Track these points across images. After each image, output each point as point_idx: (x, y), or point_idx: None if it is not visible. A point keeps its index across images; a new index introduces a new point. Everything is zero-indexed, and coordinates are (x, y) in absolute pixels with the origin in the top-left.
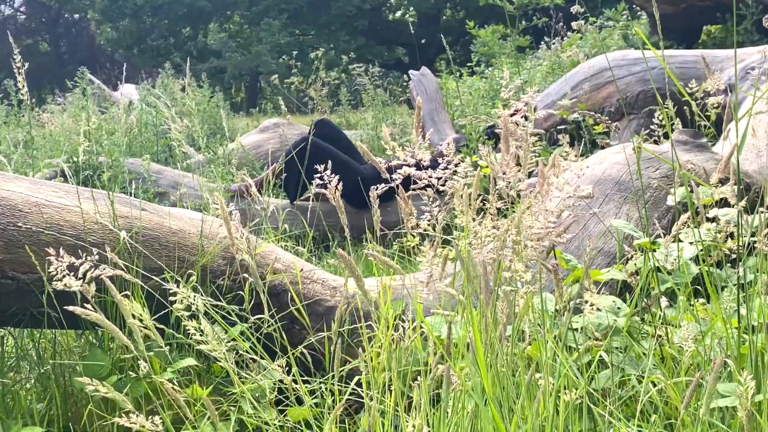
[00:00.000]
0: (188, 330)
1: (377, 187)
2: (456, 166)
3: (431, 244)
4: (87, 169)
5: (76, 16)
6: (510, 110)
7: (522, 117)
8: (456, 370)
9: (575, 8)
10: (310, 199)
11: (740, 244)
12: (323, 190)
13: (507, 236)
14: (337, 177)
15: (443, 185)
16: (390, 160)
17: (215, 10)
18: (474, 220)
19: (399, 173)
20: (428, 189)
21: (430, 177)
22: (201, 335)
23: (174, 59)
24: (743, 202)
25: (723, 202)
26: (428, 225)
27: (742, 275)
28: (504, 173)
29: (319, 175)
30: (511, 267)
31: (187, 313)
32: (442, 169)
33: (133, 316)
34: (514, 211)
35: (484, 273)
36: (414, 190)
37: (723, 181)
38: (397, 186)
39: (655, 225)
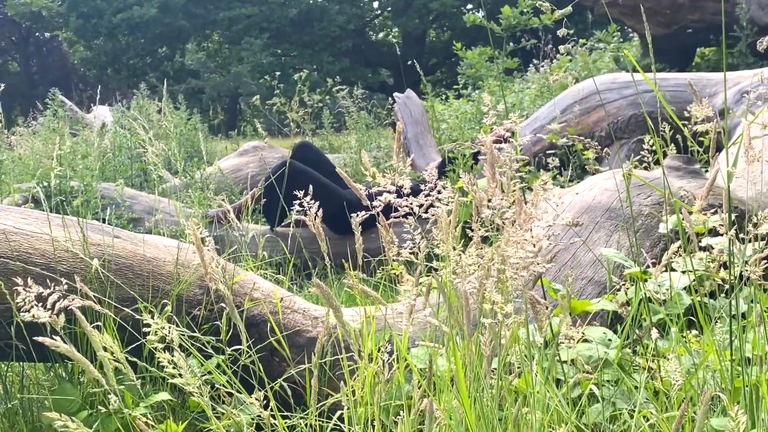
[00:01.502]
0: (162, 363)
1: (358, 214)
2: (439, 192)
3: (412, 275)
4: (58, 194)
5: (47, 35)
6: (491, 136)
7: (505, 143)
8: (440, 404)
9: (562, 31)
10: (292, 225)
11: (732, 273)
12: (303, 217)
13: (490, 265)
14: (317, 203)
15: (425, 212)
16: (370, 186)
17: (194, 29)
18: (455, 249)
19: (379, 200)
20: (409, 217)
21: (410, 204)
22: (175, 368)
23: (150, 80)
24: (732, 231)
25: (717, 231)
26: (410, 254)
27: (734, 306)
28: (489, 201)
29: (298, 201)
30: (491, 298)
31: (161, 345)
32: (425, 196)
33: (105, 349)
34: (498, 240)
35: (465, 305)
36: (395, 218)
37: (716, 208)
38: (378, 213)
39: (646, 254)
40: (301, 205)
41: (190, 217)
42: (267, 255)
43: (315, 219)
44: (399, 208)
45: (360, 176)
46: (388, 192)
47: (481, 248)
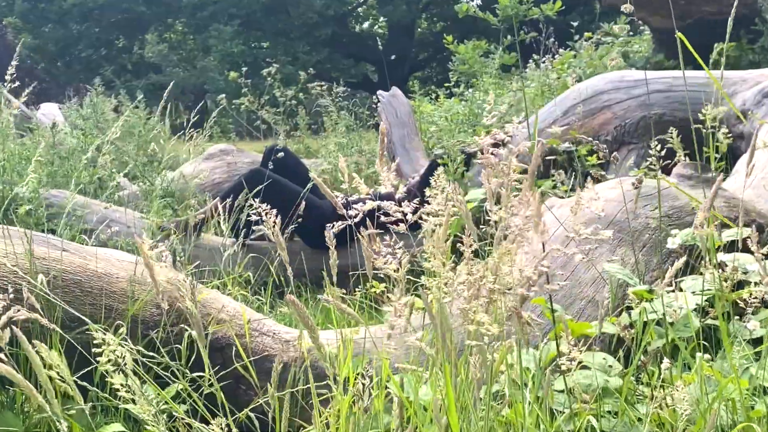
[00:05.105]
0: (115, 389)
1: (332, 226)
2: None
3: (398, 293)
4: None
5: None
6: (489, 138)
7: (504, 146)
8: None
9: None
10: (265, 237)
11: (752, 293)
12: (264, 230)
13: (480, 284)
14: (276, 213)
15: (412, 222)
16: (349, 195)
17: (154, 17)
18: (444, 264)
19: (356, 208)
20: (400, 224)
21: (399, 211)
22: (128, 392)
23: (105, 74)
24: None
25: (728, 247)
26: (393, 269)
27: (753, 329)
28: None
29: (256, 211)
30: (475, 320)
31: (112, 368)
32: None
33: (51, 367)
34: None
35: (442, 326)
36: (386, 224)
37: (731, 221)
38: (356, 224)
39: (653, 272)
40: (259, 215)
41: (151, 229)
42: (234, 270)
43: (275, 227)
44: (384, 216)
45: (340, 184)
46: (370, 199)
47: (472, 265)
